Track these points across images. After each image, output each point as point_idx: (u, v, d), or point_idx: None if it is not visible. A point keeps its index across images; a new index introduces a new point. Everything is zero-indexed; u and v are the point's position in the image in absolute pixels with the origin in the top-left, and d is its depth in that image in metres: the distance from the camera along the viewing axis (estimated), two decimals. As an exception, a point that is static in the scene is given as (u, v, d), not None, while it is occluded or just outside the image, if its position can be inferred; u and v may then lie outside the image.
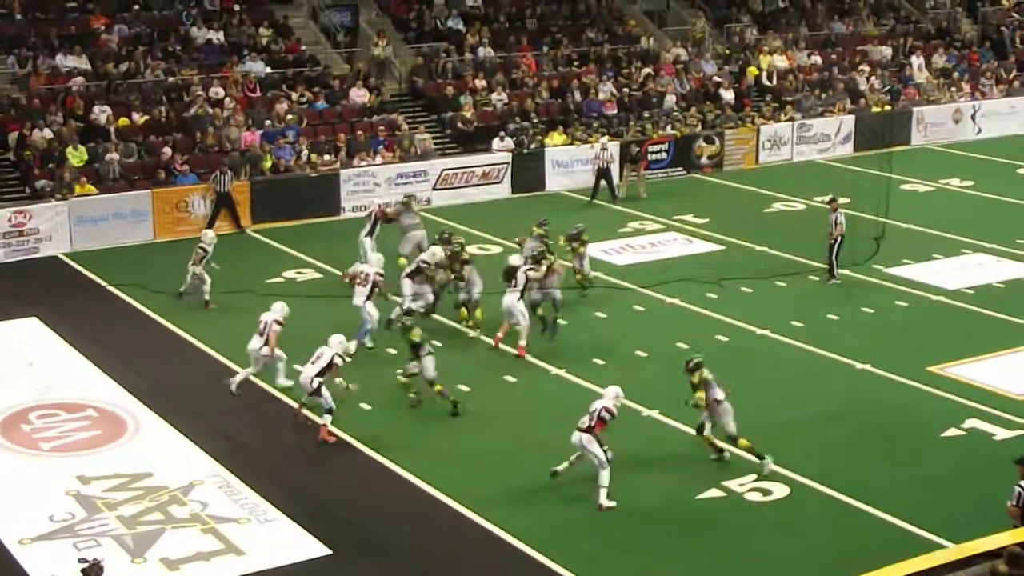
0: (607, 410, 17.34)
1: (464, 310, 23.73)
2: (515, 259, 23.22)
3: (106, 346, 22.78)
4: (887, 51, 44.49)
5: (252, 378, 20.81)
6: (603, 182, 33.65)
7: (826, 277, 26.26)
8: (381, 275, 22.99)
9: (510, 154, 34.48)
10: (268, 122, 33.36)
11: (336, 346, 19.52)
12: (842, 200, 27.27)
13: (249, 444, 18.97)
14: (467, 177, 33.64)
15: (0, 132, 31.64)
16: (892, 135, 39.11)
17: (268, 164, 32.00)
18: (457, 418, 19.76)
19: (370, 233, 26.52)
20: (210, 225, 30.11)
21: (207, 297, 24.87)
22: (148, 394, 20.57)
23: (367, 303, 22.72)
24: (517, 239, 25.15)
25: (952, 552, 13.94)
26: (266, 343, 20.35)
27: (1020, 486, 14.37)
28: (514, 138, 35.04)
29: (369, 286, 22.69)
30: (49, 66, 33.83)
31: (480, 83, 37.39)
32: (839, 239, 26.09)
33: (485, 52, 39.11)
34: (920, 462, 18.24)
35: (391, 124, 34.87)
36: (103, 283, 26.76)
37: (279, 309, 20.71)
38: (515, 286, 22.49)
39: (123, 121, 32.41)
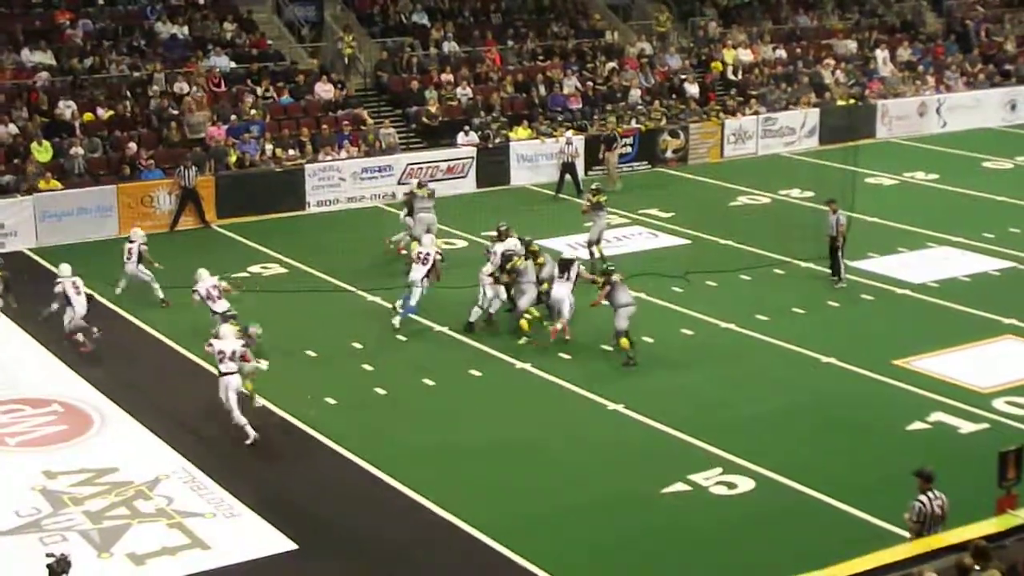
0: (245, 345, 19.11)
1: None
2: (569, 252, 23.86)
3: (71, 341, 22.66)
4: (852, 45, 44.71)
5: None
6: (568, 176, 33.69)
7: (833, 280, 25.76)
8: (440, 253, 24.04)
9: (475, 148, 34.49)
10: (233, 117, 33.29)
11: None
12: (807, 193, 27.36)
13: (214, 439, 18.92)
14: (432, 172, 33.58)
15: (-36, 128, 31.50)
16: (857, 129, 39.39)
17: (233, 159, 31.90)
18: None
19: (410, 214, 27.60)
20: (175, 221, 30.10)
21: (160, 295, 24.74)
22: (113, 389, 20.52)
23: (424, 280, 23.38)
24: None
25: (918, 545, 14.01)
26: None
27: (919, 500, 13.99)
28: (479, 132, 35.05)
29: (429, 264, 23.42)
30: (14, 61, 33.64)
31: (445, 77, 37.38)
32: (842, 240, 25.59)
33: (450, 47, 39.11)
34: (886, 456, 18.32)
35: (356, 119, 34.82)
36: (68, 278, 26.60)
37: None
38: (567, 279, 22.56)
39: (88, 116, 32.26)
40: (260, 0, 39.63)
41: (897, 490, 15.44)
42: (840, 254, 25.71)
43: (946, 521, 14.01)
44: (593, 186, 28.49)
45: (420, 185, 29.21)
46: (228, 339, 18.99)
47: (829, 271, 25.90)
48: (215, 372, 20.97)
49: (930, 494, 13.98)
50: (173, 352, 22.53)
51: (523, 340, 22.69)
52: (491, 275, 23.24)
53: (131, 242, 24.98)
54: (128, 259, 24.81)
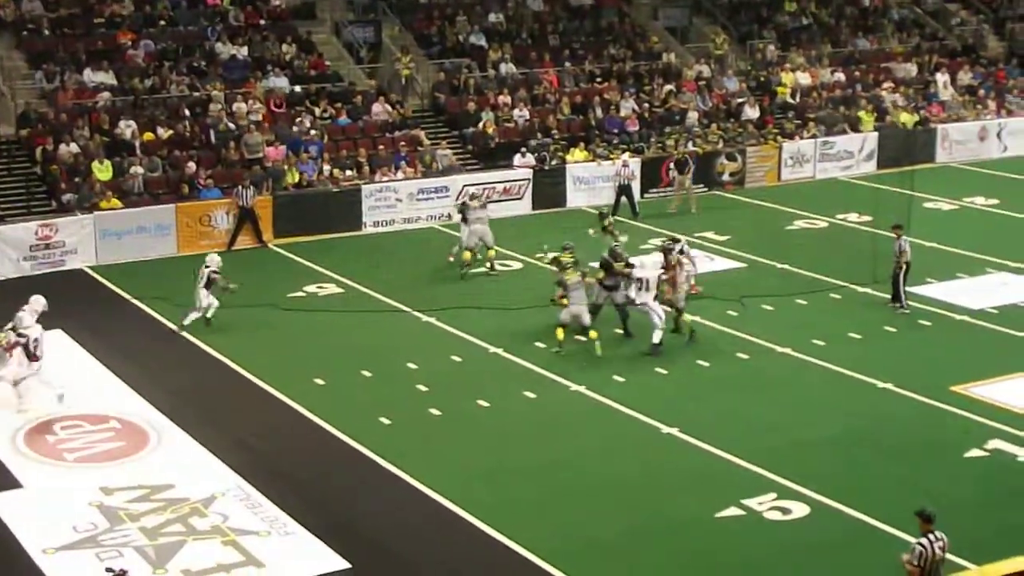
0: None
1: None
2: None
3: (129, 358, 22.92)
4: (912, 68, 44.43)
5: (280, 395, 21.26)
6: (624, 198, 33.67)
7: (894, 306, 25.49)
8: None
9: (531, 170, 34.54)
10: (294, 129, 33.58)
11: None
12: (865, 218, 27.15)
13: (270, 457, 19.04)
14: (488, 193, 33.65)
15: (28, 146, 31.93)
16: (916, 152, 39.09)
17: (291, 179, 32.12)
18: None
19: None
20: (232, 240, 30.33)
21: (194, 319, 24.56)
22: (170, 406, 20.69)
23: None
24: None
25: (974, 574, 13.90)
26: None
27: (920, 543, 13.32)
28: (535, 154, 35.10)
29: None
30: (76, 81, 34.10)
31: (502, 99, 37.50)
32: (905, 266, 25.34)
33: (507, 68, 39.24)
34: (942, 483, 18.14)
35: (413, 140, 34.98)
36: (127, 296, 26.91)
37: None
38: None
39: (148, 136, 32.63)
40: (319, 22, 40.00)
41: (953, 517, 15.37)
42: (902, 280, 25.52)
43: (944, 563, 13.62)
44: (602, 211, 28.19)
45: (473, 196, 29.97)
46: (35, 327, 20.38)
47: (889, 297, 25.68)
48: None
49: (931, 536, 13.42)
50: (228, 369, 22.70)
51: (555, 349, 23.05)
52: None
53: (206, 267, 24.69)
54: (200, 282, 24.47)
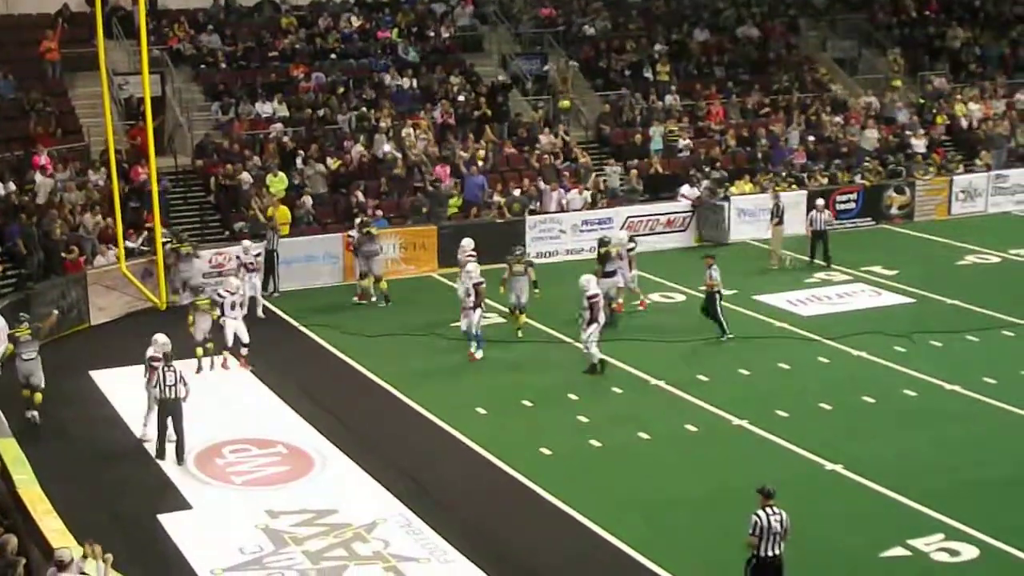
0: None
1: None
2: None
3: (297, 384, 23.36)
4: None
5: (442, 423, 21.42)
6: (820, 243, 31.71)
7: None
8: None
9: (693, 203, 34.32)
10: (462, 154, 34.12)
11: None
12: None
13: (431, 484, 19.18)
14: (651, 224, 33.58)
15: (203, 175, 32.84)
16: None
17: (457, 204, 32.41)
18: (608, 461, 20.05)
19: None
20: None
21: None
22: (335, 432, 21.04)
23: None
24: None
25: None
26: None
27: (757, 515, 14.68)
28: (699, 186, 34.85)
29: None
30: (250, 112, 35.02)
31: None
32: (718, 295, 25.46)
33: (672, 99, 39.15)
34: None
35: (576, 170, 35.05)
36: (295, 323, 27.45)
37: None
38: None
39: (319, 167, 33.21)
40: (486, 54, 40.46)
41: None
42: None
43: (788, 537, 14.72)
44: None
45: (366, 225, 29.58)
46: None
47: None
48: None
49: (768, 510, 14.69)
50: (392, 397, 22.99)
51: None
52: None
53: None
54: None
